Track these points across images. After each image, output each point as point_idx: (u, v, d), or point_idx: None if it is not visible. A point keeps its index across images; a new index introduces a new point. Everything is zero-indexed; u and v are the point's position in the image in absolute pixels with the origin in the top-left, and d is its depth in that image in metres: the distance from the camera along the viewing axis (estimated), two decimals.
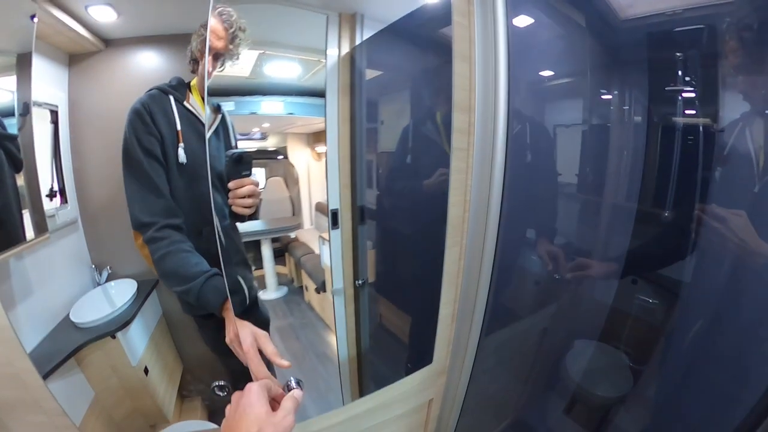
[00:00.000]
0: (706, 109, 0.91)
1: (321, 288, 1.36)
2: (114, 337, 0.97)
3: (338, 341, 1.43)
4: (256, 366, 0.63)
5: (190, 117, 0.89)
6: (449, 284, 0.96)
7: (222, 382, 0.61)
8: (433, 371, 1.05)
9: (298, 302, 2.31)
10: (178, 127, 0.86)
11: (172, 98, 0.88)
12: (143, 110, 0.81)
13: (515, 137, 0.84)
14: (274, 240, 2.38)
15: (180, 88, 0.90)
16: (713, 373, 0.87)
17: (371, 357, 1.48)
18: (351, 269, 1.39)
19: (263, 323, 1.16)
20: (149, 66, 1.09)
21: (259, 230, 2.26)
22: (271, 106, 1.77)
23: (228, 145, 1.00)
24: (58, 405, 0.67)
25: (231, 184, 0.89)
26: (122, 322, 0.99)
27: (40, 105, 0.94)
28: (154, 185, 0.81)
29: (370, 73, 1.26)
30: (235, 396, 0.56)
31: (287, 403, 0.54)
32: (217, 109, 0.95)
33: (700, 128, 0.90)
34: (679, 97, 0.94)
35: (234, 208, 0.90)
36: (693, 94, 0.93)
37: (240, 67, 1.56)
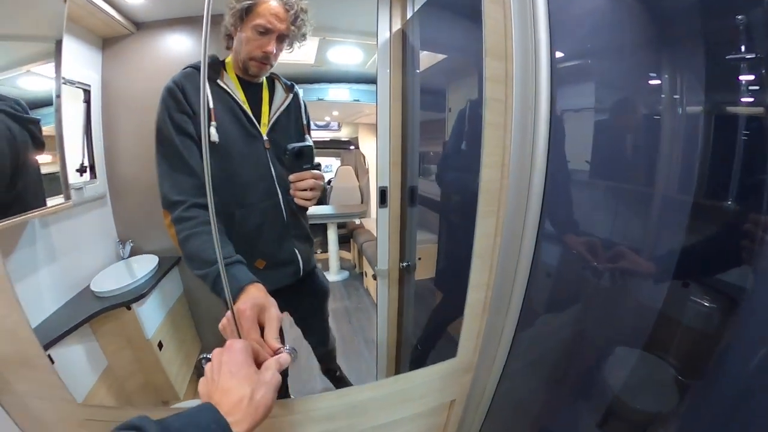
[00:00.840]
0: None
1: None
2: (129, 308, 0.97)
3: (378, 324, 1.38)
4: (247, 327, 0.58)
5: (223, 95, 0.86)
6: (481, 264, 0.82)
7: (210, 355, 0.55)
8: (458, 367, 0.93)
9: (357, 287, 2.32)
10: (211, 105, 0.83)
11: None
12: (176, 88, 0.80)
13: (560, 88, 0.70)
14: (340, 226, 2.39)
15: (214, 65, 0.87)
16: None
17: (413, 344, 1.38)
18: (397, 250, 1.33)
19: (321, 292, 1.20)
20: (180, 48, 1.11)
21: (327, 214, 2.30)
22: (337, 92, 1.81)
23: (299, 124, 1.00)
24: (50, 363, 0.65)
25: (291, 177, 0.89)
26: (138, 294, 0.99)
27: (73, 83, 0.98)
28: (185, 163, 0.79)
29: (423, 53, 1.21)
30: (216, 354, 0.51)
31: (270, 362, 0.51)
32: (290, 88, 0.97)
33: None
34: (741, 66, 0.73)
35: (295, 200, 0.91)
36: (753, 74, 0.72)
37: (305, 54, 1.58)
